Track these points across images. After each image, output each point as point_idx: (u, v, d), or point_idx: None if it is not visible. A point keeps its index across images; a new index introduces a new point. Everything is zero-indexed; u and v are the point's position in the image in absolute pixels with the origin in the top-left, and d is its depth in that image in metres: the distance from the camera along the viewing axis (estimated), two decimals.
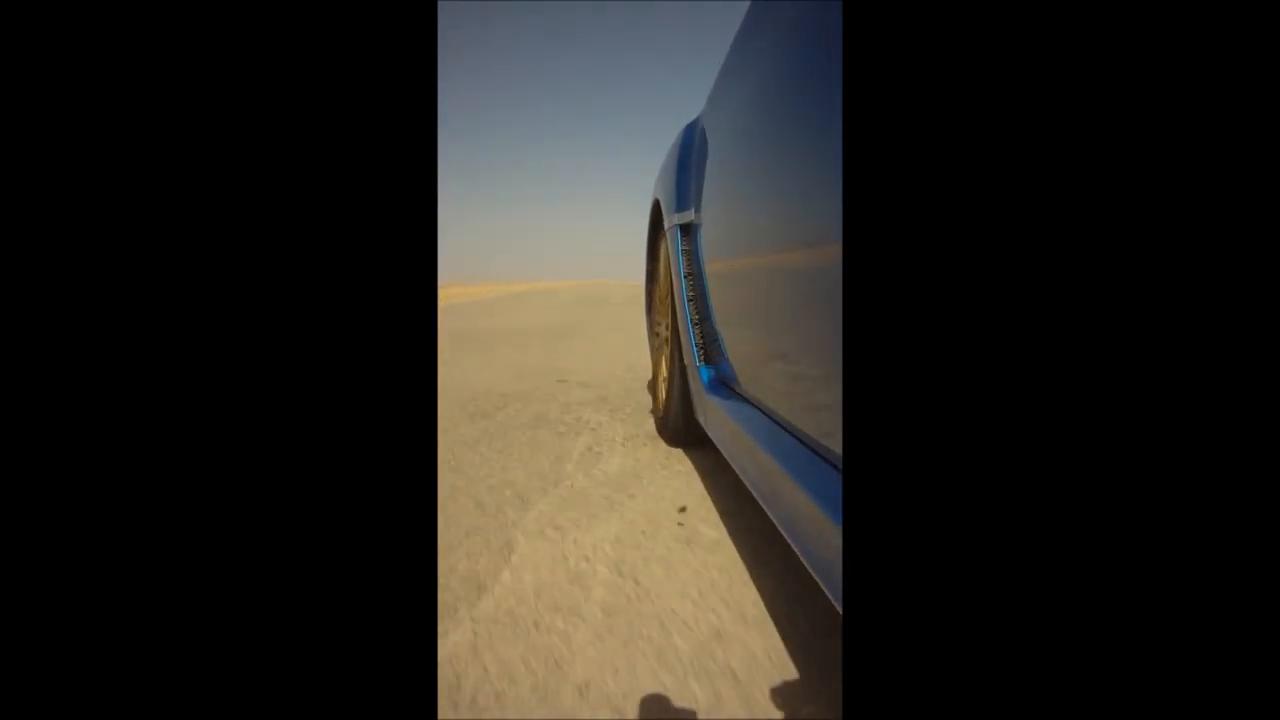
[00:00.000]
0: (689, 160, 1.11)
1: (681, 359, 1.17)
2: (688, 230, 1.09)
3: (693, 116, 1.21)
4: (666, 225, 1.21)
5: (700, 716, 0.53)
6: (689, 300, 1.06)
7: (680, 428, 1.30)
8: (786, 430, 0.64)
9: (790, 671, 0.59)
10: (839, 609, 0.40)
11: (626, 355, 2.82)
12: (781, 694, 0.56)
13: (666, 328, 1.37)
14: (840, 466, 0.49)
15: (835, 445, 0.50)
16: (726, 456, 0.84)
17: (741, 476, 0.75)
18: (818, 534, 0.46)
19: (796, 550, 0.51)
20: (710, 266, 0.95)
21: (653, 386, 1.67)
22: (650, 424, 1.57)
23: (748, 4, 0.78)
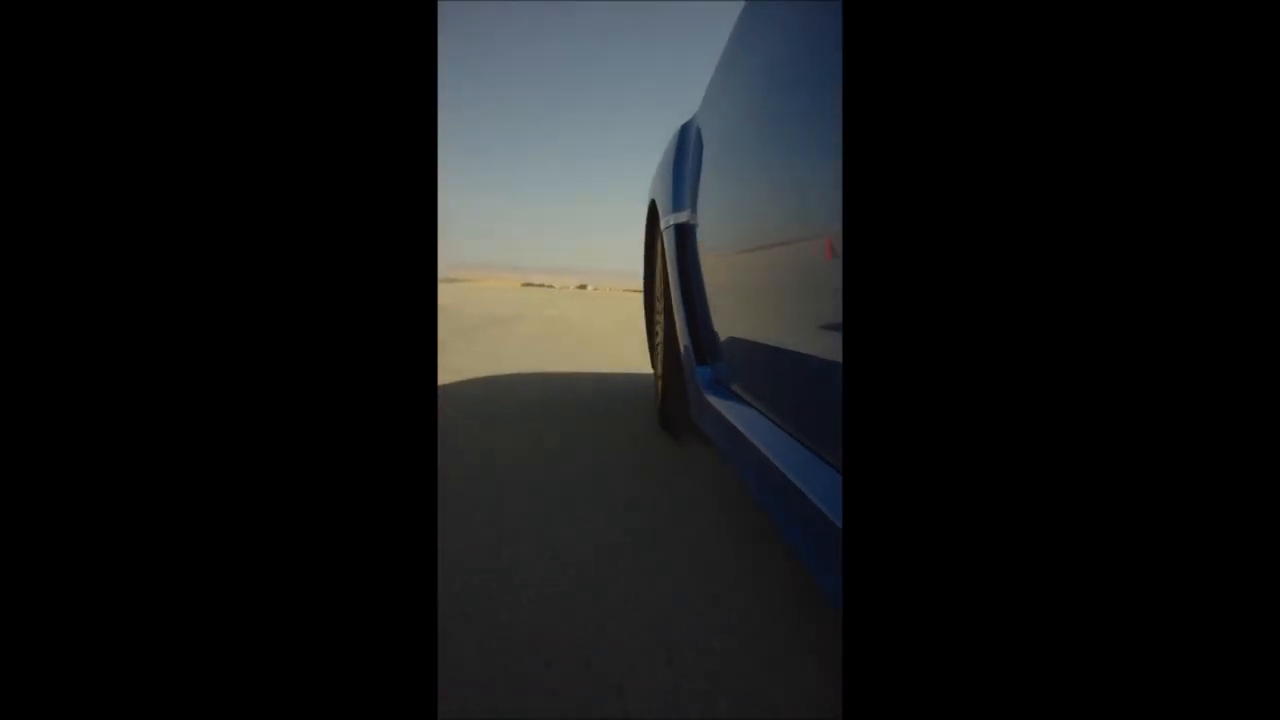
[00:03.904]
0: (684, 160, 1.12)
1: (678, 358, 1.18)
2: (684, 230, 1.09)
3: (688, 116, 1.21)
4: (662, 225, 1.21)
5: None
6: (685, 300, 1.06)
7: (677, 424, 1.31)
8: (785, 430, 0.64)
9: None
10: (839, 608, 0.40)
11: None
12: None
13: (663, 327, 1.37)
14: (840, 466, 0.49)
15: (834, 445, 0.50)
16: (724, 455, 0.84)
17: (740, 476, 0.75)
18: (817, 534, 0.46)
19: (797, 550, 0.51)
20: (706, 266, 0.95)
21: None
22: None
23: (743, 4, 0.78)
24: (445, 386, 1.88)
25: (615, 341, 3.67)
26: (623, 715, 0.50)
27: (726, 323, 0.86)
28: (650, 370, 1.92)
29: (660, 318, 1.42)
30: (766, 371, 0.69)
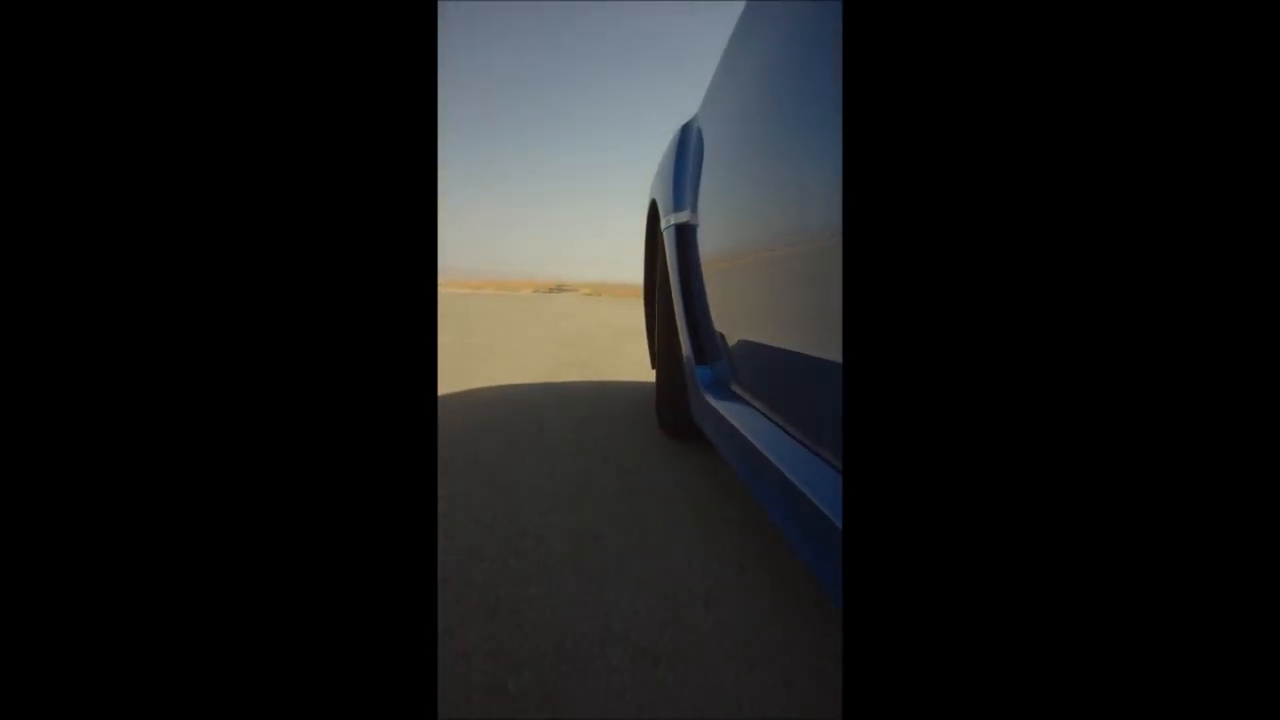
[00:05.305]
0: (685, 161, 1.12)
1: (678, 358, 1.18)
2: (684, 230, 1.09)
3: (689, 116, 1.21)
4: (663, 225, 1.21)
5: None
6: (685, 300, 1.06)
7: (675, 424, 1.31)
8: (785, 430, 0.64)
9: None
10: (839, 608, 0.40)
11: None
12: None
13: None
14: (840, 466, 0.49)
15: (834, 445, 0.50)
16: (723, 455, 0.84)
17: (739, 476, 0.75)
18: (818, 534, 0.46)
19: (797, 550, 0.51)
20: (706, 266, 0.95)
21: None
22: None
23: (744, 4, 0.78)
24: None
25: None
26: None
27: (726, 323, 0.86)
28: None
29: (661, 318, 1.42)
30: (766, 372, 0.69)
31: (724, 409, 0.82)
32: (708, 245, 0.94)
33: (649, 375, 2.31)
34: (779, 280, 0.59)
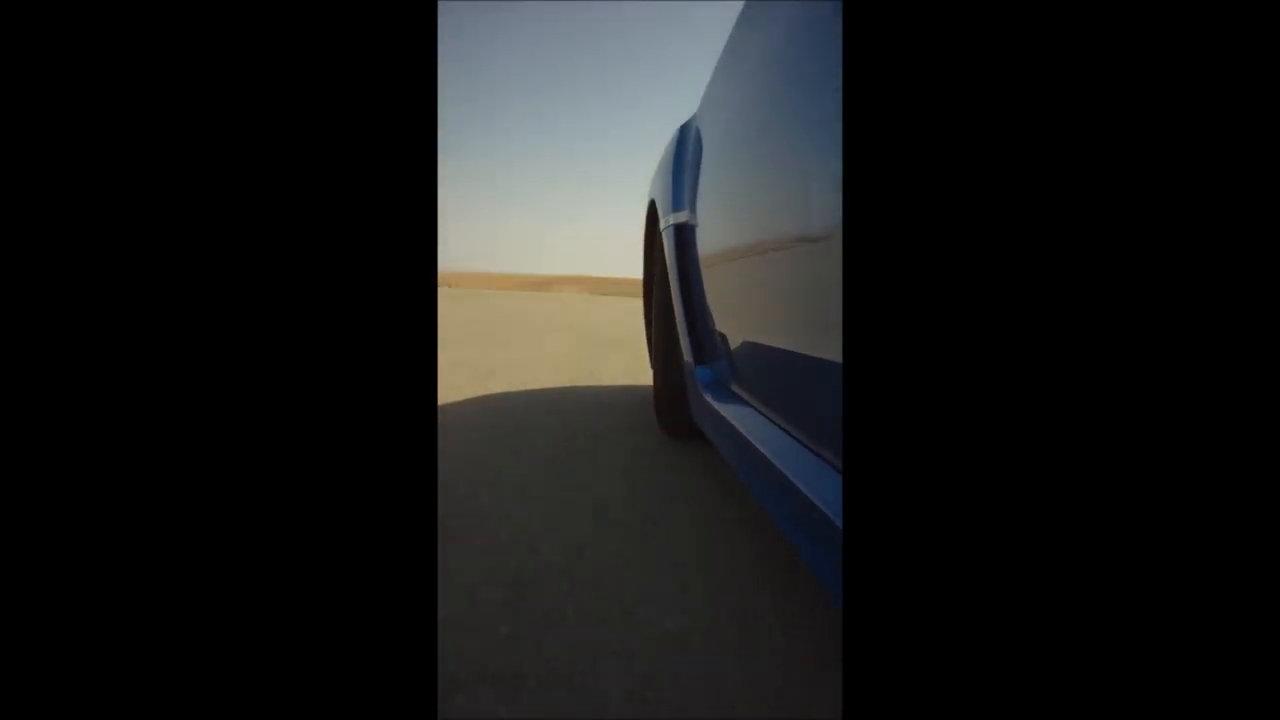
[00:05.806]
0: (684, 161, 1.12)
1: (675, 358, 1.18)
2: (683, 230, 1.09)
3: (688, 116, 1.21)
4: (662, 225, 1.21)
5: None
6: (684, 300, 1.06)
7: (673, 424, 1.32)
8: (785, 430, 0.64)
9: None
10: (839, 608, 0.40)
11: None
12: None
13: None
14: (840, 466, 0.49)
15: (835, 445, 0.50)
16: (723, 455, 0.84)
17: (739, 476, 0.75)
18: (818, 534, 0.46)
19: (797, 550, 0.51)
20: (705, 266, 0.95)
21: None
22: None
23: (743, 4, 0.78)
24: None
25: None
26: None
27: (725, 323, 0.86)
28: None
29: (659, 317, 1.42)
30: (766, 372, 0.69)
31: (724, 409, 0.82)
32: (707, 245, 0.94)
33: None
34: (778, 280, 0.59)
